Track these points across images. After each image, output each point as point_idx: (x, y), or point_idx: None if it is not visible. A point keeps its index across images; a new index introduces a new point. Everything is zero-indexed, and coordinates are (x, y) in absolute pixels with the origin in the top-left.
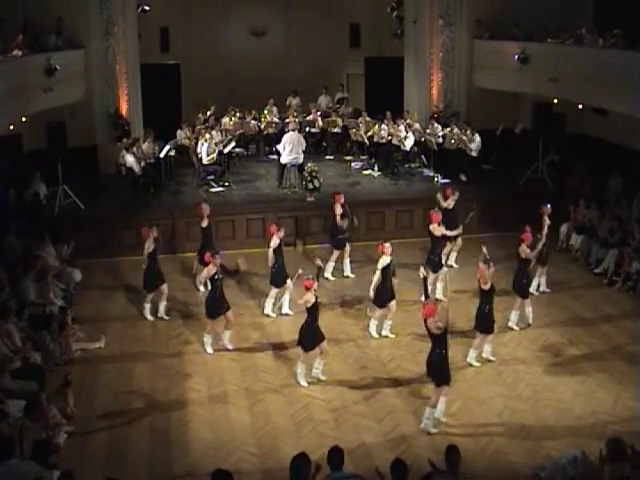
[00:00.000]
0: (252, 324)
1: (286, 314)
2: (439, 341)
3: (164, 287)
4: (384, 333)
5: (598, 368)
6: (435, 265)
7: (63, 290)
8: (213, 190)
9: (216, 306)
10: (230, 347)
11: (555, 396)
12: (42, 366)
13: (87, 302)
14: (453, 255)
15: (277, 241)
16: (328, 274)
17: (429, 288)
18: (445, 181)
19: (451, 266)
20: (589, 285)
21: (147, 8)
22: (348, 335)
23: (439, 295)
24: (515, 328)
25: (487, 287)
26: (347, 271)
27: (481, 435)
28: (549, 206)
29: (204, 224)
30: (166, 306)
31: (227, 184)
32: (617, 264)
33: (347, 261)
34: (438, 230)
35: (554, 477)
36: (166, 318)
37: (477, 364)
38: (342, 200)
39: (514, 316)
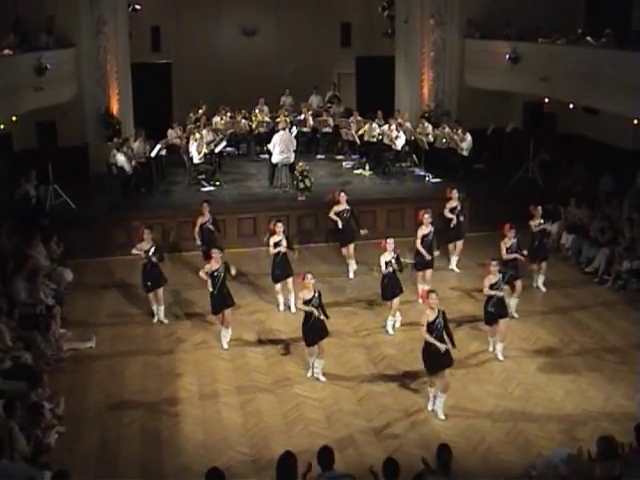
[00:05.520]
0: (243, 323)
1: None
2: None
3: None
4: (391, 328)
5: (589, 367)
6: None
7: (54, 290)
8: (204, 189)
9: (214, 303)
10: (225, 346)
11: (546, 395)
12: (33, 366)
13: (78, 302)
14: (454, 259)
15: (279, 238)
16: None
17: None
18: (436, 180)
19: (452, 270)
20: (580, 284)
21: (138, 7)
22: (339, 334)
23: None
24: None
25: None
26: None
27: (473, 434)
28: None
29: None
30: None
31: (218, 183)
32: (608, 263)
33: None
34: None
35: (545, 476)
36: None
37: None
38: (343, 199)
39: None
